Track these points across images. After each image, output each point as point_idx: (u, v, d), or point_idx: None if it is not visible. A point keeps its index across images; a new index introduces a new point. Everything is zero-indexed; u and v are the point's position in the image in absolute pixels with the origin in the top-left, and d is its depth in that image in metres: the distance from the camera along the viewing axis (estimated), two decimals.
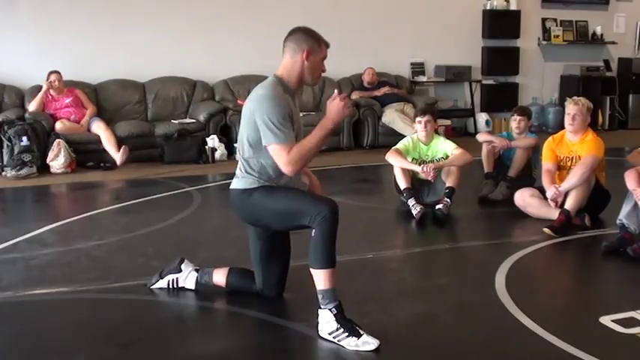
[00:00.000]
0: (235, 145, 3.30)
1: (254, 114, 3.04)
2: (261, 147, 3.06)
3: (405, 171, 5.27)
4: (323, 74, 3.25)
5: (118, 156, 7.14)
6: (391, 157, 5.35)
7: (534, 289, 3.75)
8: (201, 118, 7.93)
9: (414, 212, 5.04)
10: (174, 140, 7.61)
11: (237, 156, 3.25)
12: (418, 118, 5.47)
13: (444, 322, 3.25)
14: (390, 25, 9.29)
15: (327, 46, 3.18)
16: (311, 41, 3.12)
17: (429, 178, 5.26)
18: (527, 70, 10.25)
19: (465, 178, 5.45)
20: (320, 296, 2.96)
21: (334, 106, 3.00)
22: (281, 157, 2.99)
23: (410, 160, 5.36)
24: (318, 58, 3.13)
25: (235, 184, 3.22)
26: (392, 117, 8.30)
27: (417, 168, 5.27)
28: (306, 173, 3.46)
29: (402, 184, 5.24)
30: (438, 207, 5.08)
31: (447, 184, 5.21)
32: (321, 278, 2.95)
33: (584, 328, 3.17)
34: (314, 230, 2.93)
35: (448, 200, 5.12)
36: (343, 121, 8.15)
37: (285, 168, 3.01)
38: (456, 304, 3.45)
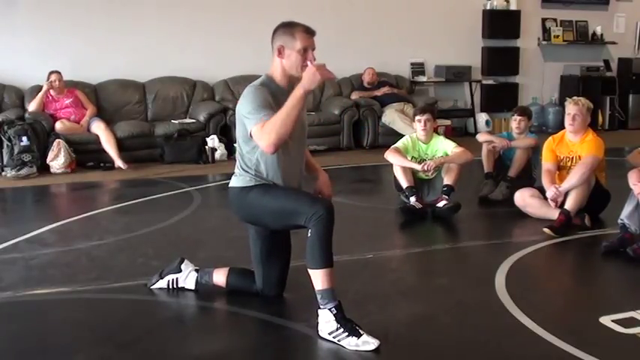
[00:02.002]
0: (235, 145, 3.29)
1: (240, 111, 3.06)
2: (253, 142, 3.03)
3: (406, 170, 5.27)
4: None
5: (120, 162, 7.13)
6: (390, 156, 5.34)
7: (534, 289, 3.75)
8: (201, 118, 7.93)
9: (413, 205, 5.07)
10: (174, 140, 7.60)
11: (236, 155, 3.26)
12: (417, 117, 5.46)
13: (443, 321, 3.25)
14: (390, 25, 9.29)
15: (310, 32, 3.06)
16: (283, 37, 3.07)
17: (429, 175, 5.26)
18: (527, 70, 10.24)
19: (465, 178, 5.45)
20: (319, 296, 2.96)
21: (306, 72, 2.88)
22: (258, 135, 2.93)
23: (409, 158, 5.36)
24: (295, 51, 3.04)
25: (234, 182, 3.23)
26: (392, 117, 8.30)
27: (416, 166, 5.27)
28: (315, 168, 3.44)
29: (404, 182, 5.23)
30: (443, 204, 5.08)
31: (445, 182, 5.21)
32: (319, 278, 2.95)
33: (584, 328, 3.17)
34: (310, 230, 2.92)
35: (447, 197, 5.13)
36: (343, 121, 8.26)
37: (262, 143, 2.92)
38: (455, 304, 3.45)
